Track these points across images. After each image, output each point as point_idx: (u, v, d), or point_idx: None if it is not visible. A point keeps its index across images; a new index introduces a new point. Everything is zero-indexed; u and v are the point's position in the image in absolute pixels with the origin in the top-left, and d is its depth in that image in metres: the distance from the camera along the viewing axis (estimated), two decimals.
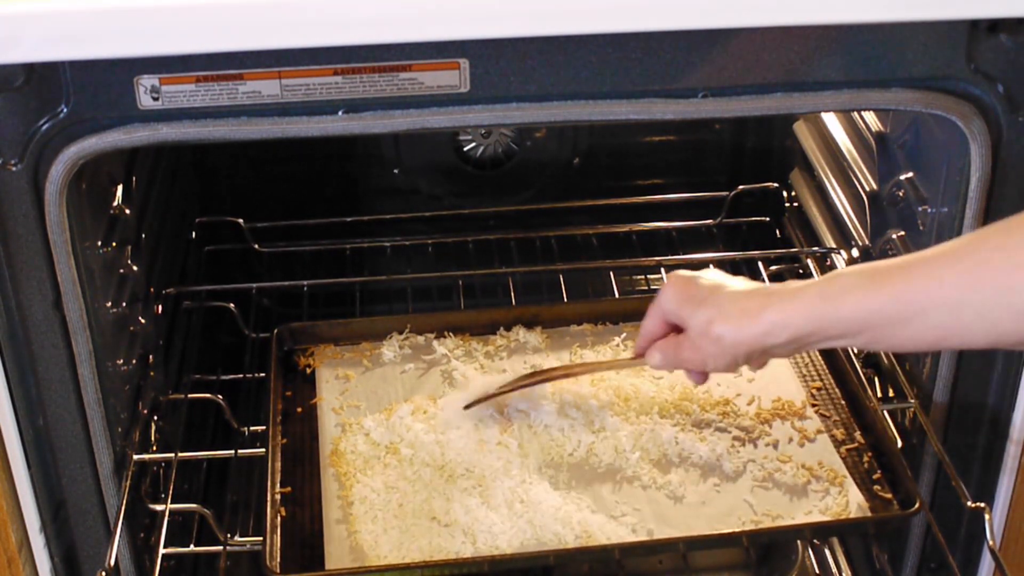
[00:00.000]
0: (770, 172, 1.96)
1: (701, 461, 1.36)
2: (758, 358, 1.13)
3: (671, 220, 1.94)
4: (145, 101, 1.10)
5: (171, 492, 1.34)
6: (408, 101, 1.13)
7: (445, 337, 1.57)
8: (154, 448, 1.40)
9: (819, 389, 1.48)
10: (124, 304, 1.35)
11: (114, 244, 1.34)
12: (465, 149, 1.92)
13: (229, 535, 1.31)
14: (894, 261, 1.01)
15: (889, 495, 1.32)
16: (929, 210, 1.31)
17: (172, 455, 1.38)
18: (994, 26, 1.13)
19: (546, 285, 1.82)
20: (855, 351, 1.54)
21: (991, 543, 1.23)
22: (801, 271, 1.79)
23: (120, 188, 1.40)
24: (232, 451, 1.41)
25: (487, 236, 1.91)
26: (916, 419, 1.37)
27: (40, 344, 1.19)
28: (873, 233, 1.53)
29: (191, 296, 1.70)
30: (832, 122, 1.71)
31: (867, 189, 1.55)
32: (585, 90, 1.14)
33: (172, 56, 1.08)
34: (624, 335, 1.57)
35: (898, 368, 1.42)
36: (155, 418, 1.43)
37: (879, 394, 1.47)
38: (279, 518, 1.31)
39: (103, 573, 1.17)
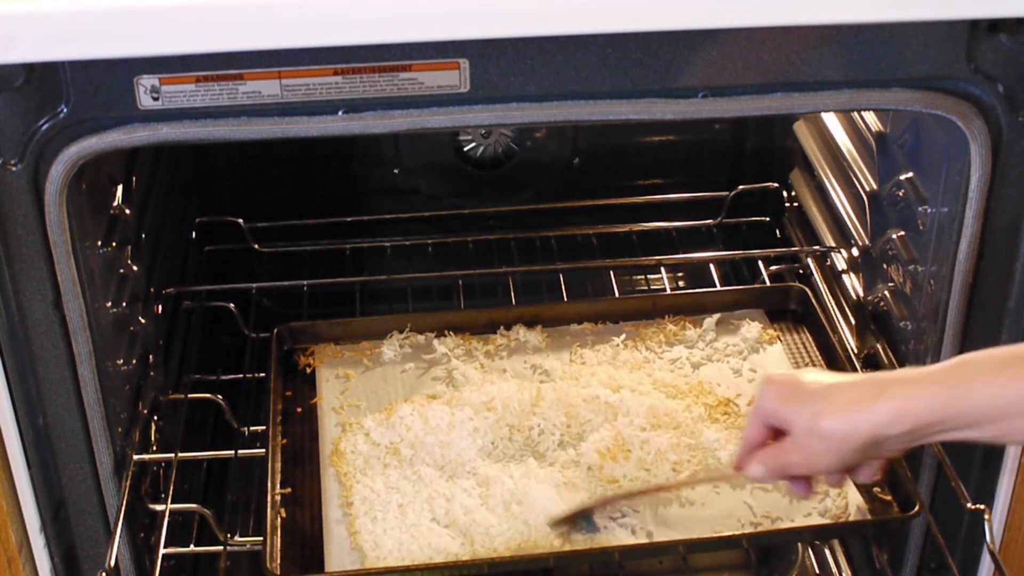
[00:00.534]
0: (770, 172, 1.96)
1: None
2: (873, 455, 1.01)
3: (671, 220, 1.94)
4: (145, 101, 1.10)
5: (171, 492, 1.34)
6: (408, 101, 1.13)
7: (445, 336, 1.57)
8: (154, 448, 1.40)
9: None
10: (124, 304, 1.35)
11: (114, 244, 1.33)
12: (465, 149, 1.92)
13: (229, 535, 1.31)
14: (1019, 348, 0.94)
15: (889, 497, 1.32)
16: (929, 210, 1.31)
17: (172, 455, 1.38)
18: (994, 26, 1.13)
19: (546, 285, 1.83)
20: (855, 351, 1.54)
21: (991, 544, 1.23)
22: (801, 271, 1.79)
23: (120, 188, 1.40)
24: (232, 451, 1.41)
25: (487, 236, 1.91)
26: None
27: (40, 344, 1.19)
28: (873, 233, 1.53)
29: (191, 296, 1.70)
30: (832, 122, 1.71)
31: (867, 189, 1.55)
32: (585, 90, 1.14)
33: (172, 56, 1.08)
34: (624, 335, 1.57)
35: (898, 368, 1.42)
36: (155, 418, 1.43)
37: None
38: (279, 518, 1.31)
39: (103, 573, 1.17)
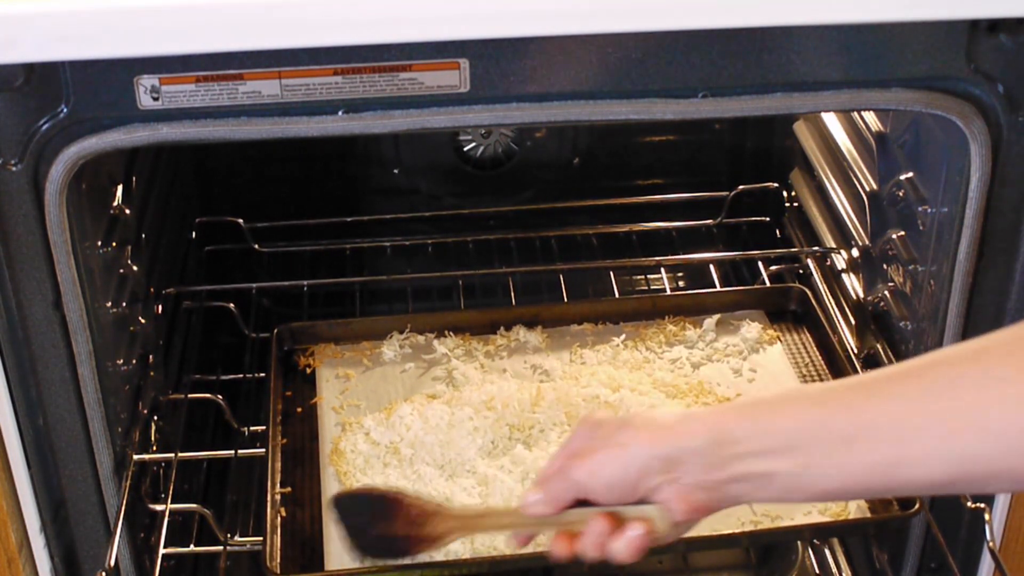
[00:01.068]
0: (770, 172, 1.96)
1: None
2: (668, 479, 0.90)
3: (671, 220, 1.94)
4: (145, 101, 1.10)
5: (171, 492, 1.34)
6: (408, 101, 1.13)
7: (445, 336, 1.58)
8: (154, 448, 1.40)
9: None
10: (124, 304, 1.35)
11: (114, 244, 1.34)
12: (465, 149, 1.92)
13: (229, 535, 1.31)
14: (851, 380, 0.89)
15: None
16: (929, 210, 1.31)
17: (172, 455, 1.38)
18: (994, 26, 1.13)
19: (546, 285, 1.82)
20: (855, 351, 1.54)
21: (991, 544, 1.23)
22: (801, 271, 1.79)
23: (120, 188, 1.40)
24: (232, 451, 1.41)
25: (487, 236, 1.91)
26: None
27: (40, 344, 1.19)
28: (873, 233, 1.53)
29: (191, 296, 1.70)
30: (832, 122, 1.71)
31: (867, 189, 1.55)
32: (585, 90, 1.14)
33: (172, 56, 1.08)
34: (624, 335, 1.57)
35: None
36: (155, 418, 1.43)
37: None
38: (279, 518, 1.31)
39: (103, 573, 1.17)
